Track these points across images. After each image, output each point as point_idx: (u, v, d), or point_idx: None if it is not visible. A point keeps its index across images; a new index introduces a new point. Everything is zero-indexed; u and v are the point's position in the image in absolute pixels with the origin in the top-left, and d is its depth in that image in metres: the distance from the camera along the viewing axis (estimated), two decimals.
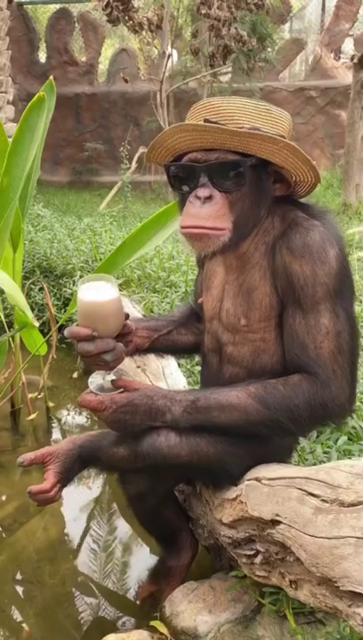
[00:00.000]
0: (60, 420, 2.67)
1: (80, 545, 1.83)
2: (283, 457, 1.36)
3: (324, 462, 1.56)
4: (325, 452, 1.58)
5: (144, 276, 3.00)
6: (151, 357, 2.09)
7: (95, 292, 1.14)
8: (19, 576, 1.69)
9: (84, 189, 10.50)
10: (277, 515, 0.97)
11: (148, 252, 1.93)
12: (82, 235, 3.85)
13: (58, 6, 11.90)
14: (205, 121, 1.08)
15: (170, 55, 4.72)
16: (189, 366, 2.29)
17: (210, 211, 1.09)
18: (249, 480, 1.15)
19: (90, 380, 1.30)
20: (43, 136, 2.09)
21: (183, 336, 1.54)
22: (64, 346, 3.15)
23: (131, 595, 1.62)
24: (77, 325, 1.17)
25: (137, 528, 1.84)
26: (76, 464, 1.42)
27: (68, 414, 2.76)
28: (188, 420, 1.19)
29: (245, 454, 1.24)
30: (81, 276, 3.18)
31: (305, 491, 0.94)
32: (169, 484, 1.47)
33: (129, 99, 11.01)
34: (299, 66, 12.26)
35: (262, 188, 1.14)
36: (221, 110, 1.10)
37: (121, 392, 1.25)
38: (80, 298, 1.15)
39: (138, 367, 2.04)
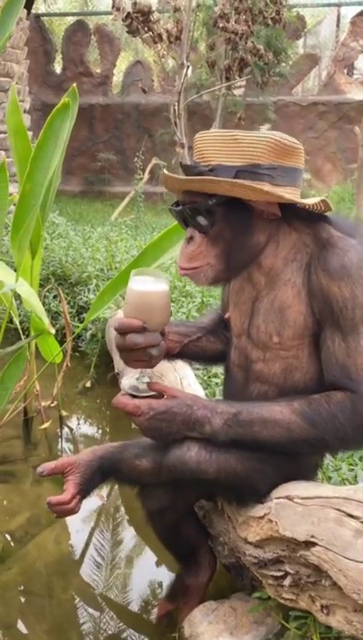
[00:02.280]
0: (72, 430, 2.64)
1: (93, 559, 1.78)
2: (309, 474, 1.31)
3: (349, 480, 1.52)
4: (350, 470, 1.53)
5: None
6: (169, 368, 2.06)
7: (148, 284, 1.14)
8: (29, 590, 1.65)
9: (95, 199, 10.54)
10: (312, 536, 0.93)
11: (164, 262, 1.91)
12: (97, 243, 3.84)
13: (75, 18, 12.04)
14: (182, 165, 1.15)
15: (188, 66, 4.74)
16: (205, 378, 2.25)
17: (190, 251, 1.15)
18: (279, 498, 1.10)
19: (123, 381, 1.28)
20: (65, 143, 2.08)
21: (212, 344, 1.51)
22: (77, 354, 3.13)
23: (146, 613, 1.57)
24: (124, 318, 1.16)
25: (152, 543, 1.80)
26: (97, 475, 1.38)
27: (81, 423, 2.72)
28: (227, 433, 1.14)
29: (272, 471, 1.20)
30: (97, 285, 3.16)
31: (344, 512, 0.90)
32: (191, 499, 1.43)
33: (142, 110, 11.08)
34: (312, 81, 12.31)
35: (242, 219, 1.13)
36: (197, 148, 1.12)
37: (155, 396, 1.21)
38: (133, 288, 1.14)
39: (161, 376, 2.01)
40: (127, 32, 4.36)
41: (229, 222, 1.13)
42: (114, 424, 2.71)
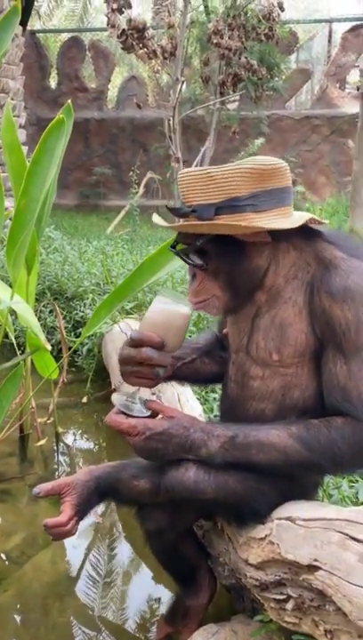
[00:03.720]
0: (69, 447, 2.61)
1: (90, 580, 1.74)
2: (310, 493, 1.30)
3: (350, 497, 1.50)
4: (350, 487, 1.51)
5: None
6: (166, 384, 2.04)
7: (173, 304, 1.16)
8: (25, 613, 1.61)
9: (91, 213, 10.56)
10: (315, 560, 0.90)
11: (161, 276, 1.90)
12: (93, 257, 3.83)
13: (70, 35, 12.16)
14: (168, 208, 1.19)
15: (183, 81, 4.78)
16: (203, 393, 2.23)
17: (194, 287, 1.18)
18: (280, 519, 1.08)
19: (115, 396, 1.26)
20: (60, 158, 2.08)
21: (207, 365, 1.49)
22: (73, 369, 3.10)
23: (145, 635, 1.53)
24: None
25: (150, 561, 1.76)
26: (94, 496, 1.35)
27: (78, 440, 2.69)
28: (224, 456, 1.13)
29: (272, 491, 1.18)
30: (93, 299, 3.14)
31: (347, 534, 0.88)
32: (190, 519, 1.40)
33: (137, 125, 11.15)
34: (305, 95, 12.43)
35: (234, 251, 1.14)
36: (181, 189, 1.14)
37: (150, 415, 1.20)
38: (158, 306, 1.17)
39: (153, 394, 1.99)
40: (122, 49, 4.40)
41: (223, 256, 1.15)
42: (111, 440, 2.68)
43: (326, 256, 1.12)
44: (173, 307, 1.17)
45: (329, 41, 11.60)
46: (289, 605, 1.05)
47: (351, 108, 10.34)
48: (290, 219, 1.15)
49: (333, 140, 10.58)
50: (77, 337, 3.21)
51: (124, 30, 4.11)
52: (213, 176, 1.10)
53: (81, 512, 1.34)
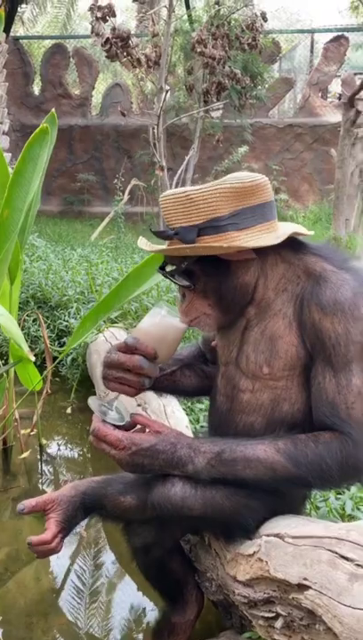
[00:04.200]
0: (53, 459, 2.57)
1: (76, 597, 1.71)
2: (298, 507, 1.29)
3: (337, 510, 1.49)
4: (337, 498, 1.51)
5: (142, 308, 2.94)
6: (153, 395, 2.02)
7: (170, 317, 1.17)
8: (9, 633, 1.57)
9: (75, 219, 10.52)
10: (305, 579, 0.89)
11: (147, 287, 1.89)
12: (77, 266, 3.80)
13: (53, 41, 12.14)
14: (152, 231, 1.19)
15: (168, 90, 4.79)
16: (189, 404, 2.22)
17: (184, 307, 1.19)
18: (269, 536, 1.07)
19: (92, 400, 1.24)
20: (44, 168, 2.05)
21: (187, 378, 1.48)
22: (57, 379, 3.07)
23: None
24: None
25: (136, 576, 1.74)
26: (79, 512, 1.33)
27: (62, 451, 2.65)
28: (210, 472, 1.12)
29: (260, 506, 1.17)
30: (78, 308, 3.11)
31: (337, 553, 0.87)
32: (177, 534, 1.38)
33: (122, 132, 11.15)
34: (288, 104, 12.54)
35: (220, 270, 1.14)
36: (163, 212, 1.15)
37: (126, 426, 1.19)
38: (156, 317, 1.17)
39: (138, 405, 1.97)
40: (106, 57, 4.39)
41: (210, 276, 1.15)
42: (96, 451, 2.65)
43: (316, 269, 1.12)
44: (170, 319, 1.17)
45: (311, 51, 11.74)
46: (278, 624, 1.04)
47: (333, 117, 10.47)
48: (274, 233, 1.15)
49: (315, 149, 10.69)
50: (61, 346, 3.18)
51: (108, 39, 4.11)
52: (193, 198, 1.10)
53: (66, 529, 1.32)
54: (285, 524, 1.09)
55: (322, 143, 10.57)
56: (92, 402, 1.24)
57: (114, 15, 4.06)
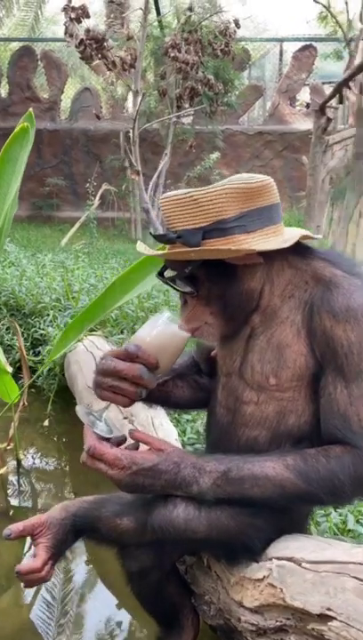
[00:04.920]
0: (29, 472, 2.45)
1: (60, 625, 1.61)
2: (302, 525, 1.23)
3: (338, 526, 1.44)
4: (339, 514, 1.46)
5: (122, 315, 2.86)
6: (139, 407, 1.94)
7: (174, 326, 1.10)
8: None
9: (44, 224, 10.36)
10: (328, 609, 0.83)
11: (133, 296, 1.81)
12: (52, 272, 3.69)
13: (21, 44, 11.96)
14: (153, 235, 1.12)
15: (144, 94, 4.73)
16: (176, 415, 2.14)
17: (186, 314, 1.13)
18: (280, 559, 1.01)
19: (80, 408, 1.16)
20: (23, 169, 1.96)
21: (179, 389, 1.40)
22: (33, 390, 2.95)
23: None
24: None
25: (126, 601, 1.65)
26: (70, 535, 1.25)
27: (40, 466, 2.54)
28: (216, 492, 1.05)
29: (267, 526, 1.11)
30: (54, 316, 3.01)
31: None
32: (174, 556, 1.31)
33: (91, 136, 11.05)
34: (257, 111, 12.66)
35: (225, 275, 1.09)
36: (164, 214, 1.09)
37: (117, 440, 1.13)
38: (159, 326, 1.10)
39: (125, 418, 1.89)
40: (81, 58, 4.31)
41: (214, 281, 1.09)
42: (75, 465, 2.54)
43: (325, 274, 1.07)
44: (174, 327, 1.10)
45: (280, 59, 11.88)
46: None
47: (302, 124, 10.61)
48: (281, 237, 1.10)
49: (285, 156, 10.81)
50: (36, 355, 3.07)
51: (82, 40, 4.02)
52: (197, 199, 1.04)
53: (56, 554, 1.23)
54: (297, 547, 1.02)
55: (292, 151, 10.69)
56: (81, 410, 1.16)
57: (88, 16, 3.98)
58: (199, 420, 2.10)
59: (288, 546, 1.05)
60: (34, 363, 2.99)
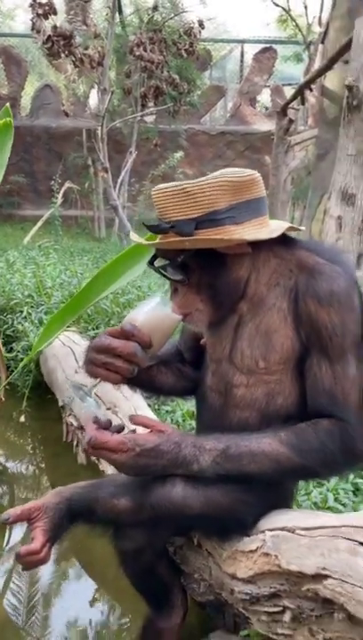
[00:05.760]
0: (7, 470, 2.45)
1: (41, 612, 1.63)
2: (289, 501, 1.30)
3: (319, 504, 1.52)
4: (320, 493, 1.54)
5: (96, 311, 2.88)
6: (121, 398, 1.99)
7: (167, 308, 1.15)
8: None
9: (4, 222, 10.19)
10: (323, 568, 0.90)
11: (117, 288, 1.84)
12: (23, 268, 3.67)
13: None
14: (145, 225, 1.15)
15: (112, 91, 4.74)
16: (156, 407, 2.19)
17: (177, 301, 1.17)
18: (274, 530, 1.07)
19: (72, 383, 1.20)
20: (5, 162, 1.97)
21: (163, 375, 1.45)
22: (7, 387, 2.93)
23: None
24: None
25: (110, 588, 1.70)
26: (66, 519, 1.28)
27: (16, 463, 2.53)
28: (215, 469, 1.10)
29: (257, 501, 1.17)
30: (28, 312, 3.00)
31: (356, 541, 0.89)
32: (168, 536, 1.36)
33: (53, 134, 10.94)
34: (219, 111, 12.80)
35: (215, 264, 1.14)
36: (157, 205, 1.13)
37: (119, 429, 1.16)
38: (152, 306, 1.15)
39: (108, 409, 1.93)
40: (48, 55, 4.28)
41: (204, 270, 1.14)
42: (51, 461, 2.56)
43: (309, 262, 1.14)
44: (166, 311, 1.15)
45: (241, 61, 12.05)
46: (286, 617, 1.04)
47: (264, 125, 10.80)
48: (268, 228, 1.16)
49: (247, 156, 10.97)
50: (9, 352, 3.05)
51: (50, 36, 4.01)
52: (190, 191, 1.08)
53: (53, 538, 1.26)
54: (288, 519, 1.09)
55: (253, 151, 10.87)
56: (72, 386, 1.21)
57: (55, 13, 3.97)
58: (179, 410, 2.15)
59: (280, 518, 1.11)
60: (7, 359, 2.98)
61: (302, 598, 1.01)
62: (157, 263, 1.18)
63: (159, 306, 1.15)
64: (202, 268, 1.14)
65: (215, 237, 1.07)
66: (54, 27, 4.08)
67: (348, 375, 1.09)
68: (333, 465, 1.08)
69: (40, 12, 3.89)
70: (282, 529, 1.05)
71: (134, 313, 1.17)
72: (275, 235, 1.12)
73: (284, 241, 1.19)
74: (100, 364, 1.15)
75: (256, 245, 1.15)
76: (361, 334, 1.12)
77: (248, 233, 1.10)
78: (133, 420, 1.16)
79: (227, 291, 1.17)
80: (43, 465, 2.58)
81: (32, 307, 3.11)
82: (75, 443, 2.24)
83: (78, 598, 1.71)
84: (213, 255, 1.13)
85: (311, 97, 7.48)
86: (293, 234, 1.24)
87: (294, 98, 6.47)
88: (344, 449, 1.07)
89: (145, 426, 1.16)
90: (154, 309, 1.15)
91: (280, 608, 1.07)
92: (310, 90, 6.12)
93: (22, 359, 2.86)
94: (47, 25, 4.05)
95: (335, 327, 1.08)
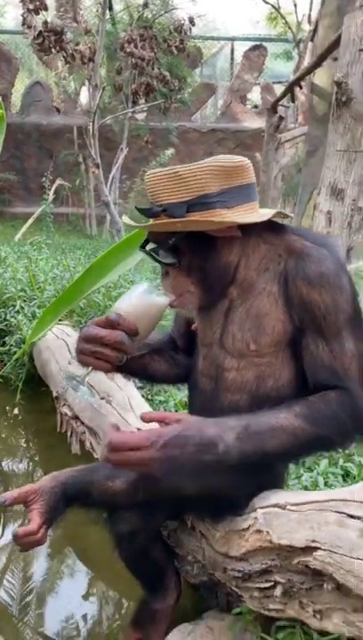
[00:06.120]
0: (1, 462, 2.46)
1: (42, 605, 1.65)
2: (280, 483, 1.33)
3: (309, 487, 1.56)
4: (310, 477, 1.58)
5: (89, 305, 2.90)
6: (115, 388, 2.01)
7: (153, 294, 1.17)
8: None
9: None
10: (313, 541, 0.93)
11: (110, 280, 1.87)
12: (15, 263, 3.68)
13: None
14: (138, 208, 1.18)
15: (104, 88, 4.75)
16: (149, 397, 2.22)
17: (167, 284, 1.20)
18: (265, 507, 1.11)
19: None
20: None
21: (156, 362, 1.48)
22: (1, 380, 2.95)
23: None
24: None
25: (105, 574, 1.73)
26: (61, 502, 1.31)
27: (9, 456, 2.54)
28: (240, 448, 1.06)
29: (250, 482, 1.20)
30: (21, 306, 3.02)
31: (344, 513, 0.92)
32: (160, 520, 1.39)
33: (44, 131, 10.92)
34: (209, 109, 12.83)
35: (206, 247, 1.17)
36: (149, 189, 1.15)
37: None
38: (138, 294, 1.17)
39: (102, 398, 1.95)
40: (39, 50, 4.29)
41: (195, 253, 1.16)
42: (46, 452, 2.57)
43: (297, 246, 1.17)
44: (152, 296, 1.17)
45: (232, 58, 12.08)
46: (277, 591, 1.07)
47: (254, 122, 10.84)
48: (258, 213, 1.19)
49: (238, 153, 10.87)
50: (2, 346, 3.07)
51: (41, 32, 4.01)
52: (182, 175, 1.11)
53: (49, 520, 1.29)
54: (278, 497, 1.12)
55: (244, 148, 10.91)
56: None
57: (46, 8, 3.97)
58: (171, 400, 2.18)
59: (270, 498, 1.14)
60: (0, 354, 3.00)
61: (293, 572, 1.04)
62: (149, 247, 1.21)
63: (145, 294, 1.18)
64: (193, 251, 1.16)
65: (206, 220, 1.10)
66: (45, 22, 4.08)
67: (345, 351, 1.12)
68: (346, 432, 1.09)
69: (31, 7, 3.89)
70: (274, 506, 1.09)
71: (120, 302, 1.20)
72: (265, 218, 1.15)
73: (272, 227, 1.22)
74: (89, 352, 1.18)
75: (246, 231, 1.17)
76: (357, 312, 1.15)
77: (239, 216, 1.13)
78: (145, 417, 1.13)
79: (217, 274, 1.19)
80: (37, 457, 2.59)
81: (25, 301, 3.13)
82: (69, 433, 2.27)
83: (74, 583, 1.73)
84: (204, 238, 1.15)
85: (301, 94, 7.53)
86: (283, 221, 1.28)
87: (283, 95, 6.51)
88: (354, 417, 1.09)
89: (160, 420, 1.12)
90: (139, 297, 1.17)
91: (271, 583, 1.10)
92: (300, 87, 6.16)
93: (15, 353, 2.88)
94: (38, 20, 4.06)
95: (328, 307, 1.11)
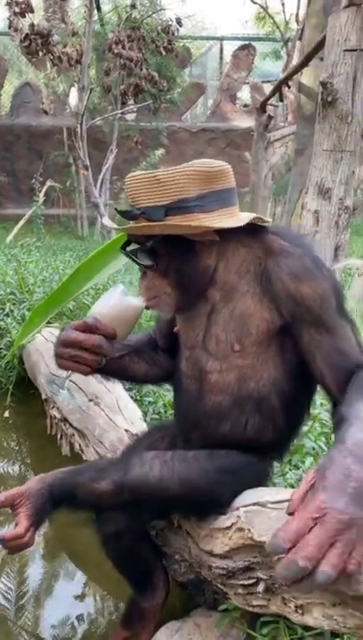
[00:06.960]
0: None
1: (36, 607, 1.67)
2: (264, 481, 1.35)
3: (294, 485, 1.58)
4: (295, 475, 1.60)
5: (78, 307, 2.91)
6: (103, 390, 2.03)
7: (128, 297, 1.19)
8: None
9: None
10: None
11: (98, 282, 1.88)
12: (4, 266, 3.68)
13: None
14: (118, 211, 1.19)
15: (91, 89, 4.75)
16: (138, 398, 2.24)
17: (144, 285, 1.21)
18: (247, 506, 1.12)
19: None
20: None
21: (136, 363, 1.50)
22: None
23: None
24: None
25: (94, 574, 1.74)
26: (48, 504, 1.32)
27: (2, 458, 2.56)
28: None
29: (233, 481, 1.23)
30: (11, 309, 3.03)
31: None
32: (146, 519, 1.41)
33: (33, 132, 10.90)
34: (199, 108, 12.84)
35: (184, 251, 1.18)
36: (129, 193, 1.17)
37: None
38: (114, 297, 1.19)
39: (90, 400, 1.97)
40: (26, 53, 4.29)
41: (173, 255, 1.18)
42: (36, 455, 2.58)
43: (275, 246, 1.19)
44: (128, 299, 1.20)
45: (221, 58, 12.10)
46: (260, 588, 1.09)
47: (244, 122, 10.87)
48: (236, 218, 1.21)
49: (228, 153, 11.03)
50: None
51: (27, 35, 4.02)
52: (161, 179, 1.13)
53: (36, 522, 1.30)
54: (259, 495, 1.14)
55: (234, 147, 10.94)
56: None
57: (32, 11, 3.97)
58: (161, 401, 2.20)
59: (251, 496, 1.16)
60: (8, 354, 3.00)
61: (274, 569, 1.06)
62: (129, 249, 1.22)
63: (121, 296, 1.20)
64: (170, 254, 1.18)
65: (183, 224, 1.11)
66: (32, 25, 4.08)
67: (349, 335, 1.16)
68: None
69: (17, 10, 3.89)
70: (255, 504, 1.10)
71: (97, 305, 1.22)
72: (242, 224, 1.17)
73: (252, 231, 1.24)
74: (68, 357, 1.20)
75: (225, 235, 1.19)
76: (343, 299, 1.18)
77: (216, 221, 1.15)
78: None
79: (194, 277, 1.21)
80: (28, 459, 2.60)
81: (14, 303, 3.13)
82: (58, 436, 2.28)
83: (68, 585, 1.75)
84: (182, 242, 1.17)
85: (290, 93, 7.56)
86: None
87: (272, 94, 6.54)
88: None
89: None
90: (116, 300, 1.19)
91: (254, 580, 1.12)
92: (288, 86, 6.20)
93: (5, 356, 2.88)
94: (24, 23, 4.06)
95: (322, 298, 1.13)
